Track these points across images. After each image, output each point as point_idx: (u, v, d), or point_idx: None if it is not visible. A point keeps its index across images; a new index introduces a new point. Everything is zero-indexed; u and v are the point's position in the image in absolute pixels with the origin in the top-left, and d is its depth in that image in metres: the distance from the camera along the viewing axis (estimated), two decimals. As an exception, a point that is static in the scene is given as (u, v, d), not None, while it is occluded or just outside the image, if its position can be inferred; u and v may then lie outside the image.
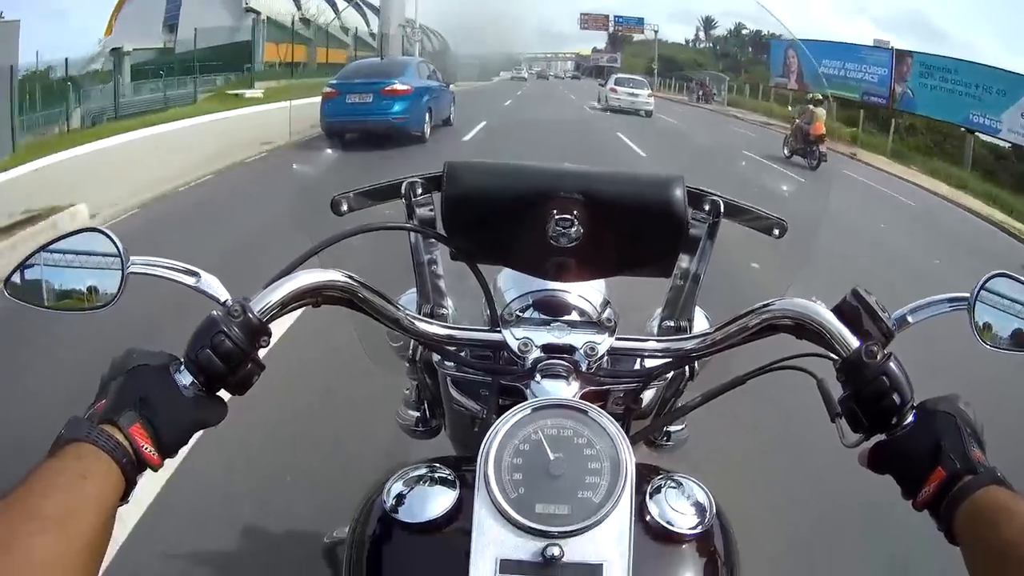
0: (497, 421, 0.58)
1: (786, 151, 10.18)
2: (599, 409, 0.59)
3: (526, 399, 0.64)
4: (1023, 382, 2.78)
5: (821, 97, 10.34)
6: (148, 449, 0.53)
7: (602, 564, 0.51)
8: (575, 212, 0.68)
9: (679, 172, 0.72)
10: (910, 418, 0.57)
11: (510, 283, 0.87)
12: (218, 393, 0.59)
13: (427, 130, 6.25)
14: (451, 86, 9.65)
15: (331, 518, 1.02)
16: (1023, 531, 0.48)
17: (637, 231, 0.71)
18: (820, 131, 9.00)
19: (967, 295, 0.63)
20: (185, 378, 0.56)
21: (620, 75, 8.79)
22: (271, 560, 1.77)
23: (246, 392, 0.60)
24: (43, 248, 0.61)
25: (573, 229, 0.68)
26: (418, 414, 1.04)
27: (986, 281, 0.63)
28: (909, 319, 0.64)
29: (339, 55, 19.03)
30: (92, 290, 0.61)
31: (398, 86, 7.38)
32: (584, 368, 0.68)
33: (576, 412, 0.58)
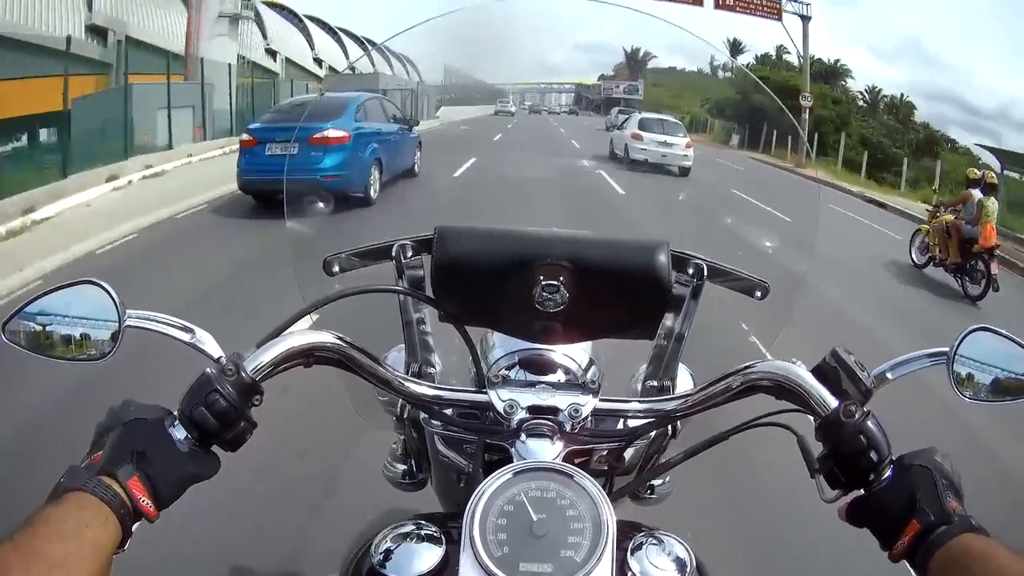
0: (482, 483, 0.67)
1: (918, 255, 7.64)
2: (582, 472, 0.68)
3: (511, 456, 0.74)
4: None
5: (992, 177, 7.32)
6: (145, 502, 0.62)
7: None
8: (561, 278, 0.80)
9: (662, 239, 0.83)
10: (887, 473, 0.67)
11: (497, 341, 0.98)
12: (211, 448, 0.69)
13: (373, 189, 5.98)
14: (414, 130, 8.31)
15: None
16: (997, 574, 0.56)
17: (622, 295, 0.82)
18: (991, 240, 6.57)
19: (946, 350, 0.74)
20: (180, 432, 0.66)
21: (646, 115, 7.18)
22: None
23: (238, 449, 0.69)
24: (40, 296, 0.71)
25: (559, 294, 0.80)
26: (405, 467, 1.18)
27: (965, 336, 0.74)
28: (889, 375, 0.75)
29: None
30: (88, 341, 0.71)
31: (331, 133, 7.13)
32: (568, 428, 0.78)
33: (559, 475, 0.67)
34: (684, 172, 5.01)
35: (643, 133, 5.79)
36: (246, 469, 2.48)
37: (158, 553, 1.71)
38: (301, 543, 2.36)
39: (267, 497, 2.64)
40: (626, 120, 7.19)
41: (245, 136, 8.30)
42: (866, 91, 36.23)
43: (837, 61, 37.72)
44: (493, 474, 0.68)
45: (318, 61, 23.82)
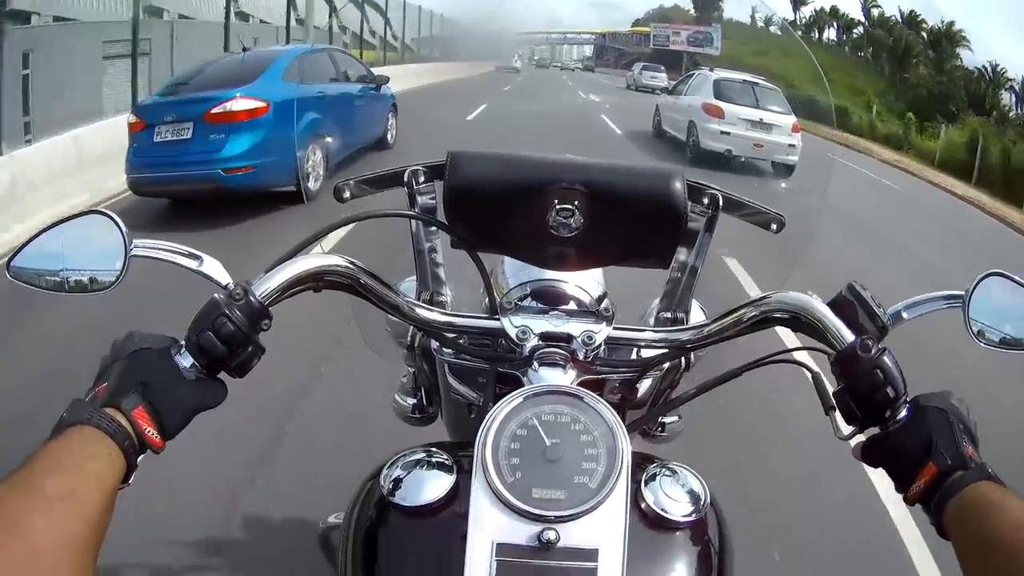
0: (495, 407, 0.72)
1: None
2: (596, 395, 0.74)
3: (523, 387, 0.79)
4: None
5: None
6: (151, 432, 0.67)
7: (597, 549, 0.65)
8: (576, 202, 0.86)
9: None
10: (903, 412, 0.73)
11: (509, 272, 1.07)
12: (218, 376, 0.74)
13: (313, 178, 5.47)
14: (385, 87, 7.39)
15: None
16: (1011, 526, 0.61)
17: (637, 222, 0.88)
18: None
19: (962, 293, 0.81)
20: (186, 360, 0.72)
21: (726, 74, 5.89)
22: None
23: (246, 375, 0.75)
24: (45, 230, 0.77)
25: (573, 219, 0.87)
26: (415, 401, 1.30)
27: (981, 280, 0.81)
28: (904, 315, 0.83)
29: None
30: (94, 272, 0.79)
31: (236, 104, 5.71)
32: (581, 357, 0.85)
33: (573, 399, 0.73)
34: (786, 171, 4.27)
35: (724, 105, 5.02)
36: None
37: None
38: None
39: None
40: (688, 81, 6.27)
41: (132, 117, 6.08)
42: (987, 68, 31.84)
43: (951, 25, 33.45)
44: (505, 397, 0.74)
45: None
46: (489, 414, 0.73)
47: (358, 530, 0.79)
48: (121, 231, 0.77)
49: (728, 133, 5.19)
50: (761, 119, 5.17)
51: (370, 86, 7.36)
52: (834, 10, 35.83)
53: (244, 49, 6.93)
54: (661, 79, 8.40)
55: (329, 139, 5.93)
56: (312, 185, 5.53)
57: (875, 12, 34.25)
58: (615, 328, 0.90)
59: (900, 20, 31.08)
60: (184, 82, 6.44)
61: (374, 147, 6.57)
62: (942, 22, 32.76)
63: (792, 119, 5.04)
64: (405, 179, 0.96)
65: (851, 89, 30.85)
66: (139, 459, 0.68)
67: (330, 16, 19.02)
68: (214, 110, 5.70)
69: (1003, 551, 0.61)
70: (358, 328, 1.15)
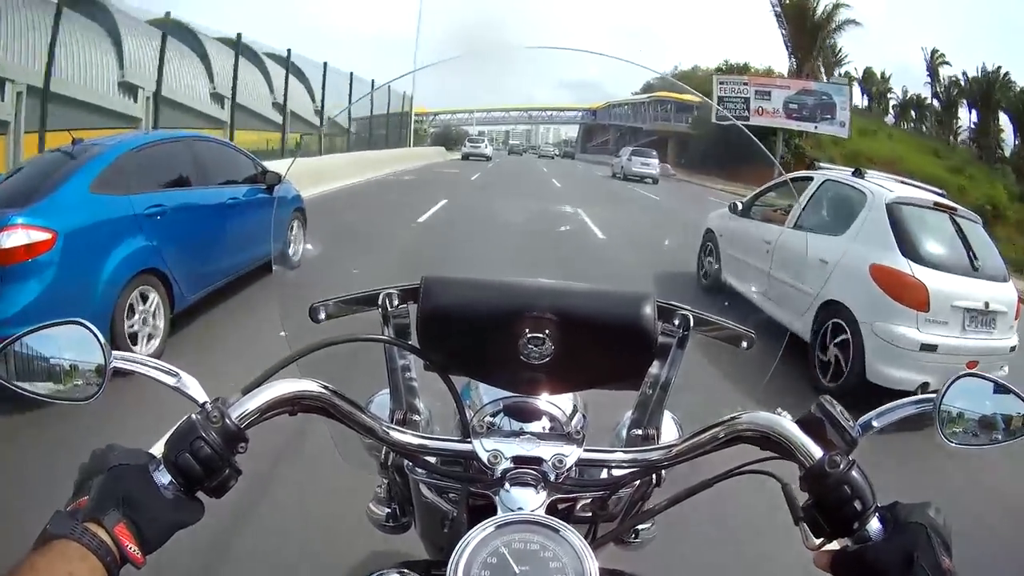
0: (465, 536, 0.74)
1: None
2: (565, 525, 0.75)
3: (495, 505, 0.83)
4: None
5: None
6: (132, 549, 0.69)
7: None
8: (547, 330, 0.90)
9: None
10: (873, 522, 0.75)
11: (482, 388, 1.09)
12: (196, 494, 0.76)
13: (143, 343, 4.12)
14: (285, 186, 5.55)
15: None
16: None
17: (608, 346, 0.92)
18: None
19: (933, 396, 0.83)
20: (164, 478, 0.74)
21: (902, 193, 3.98)
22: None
23: (223, 496, 0.77)
24: (26, 334, 0.80)
25: (545, 346, 0.90)
26: (389, 510, 1.31)
27: (952, 382, 0.83)
28: (875, 423, 0.85)
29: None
30: (74, 381, 0.81)
31: (8, 239, 3.59)
32: (552, 478, 0.87)
33: (542, 528, 0.76)
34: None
35: (925, 276, 3.49)
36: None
37: None
38: None
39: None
40: (798, 193, 4.70)
41: None
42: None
43: (999, 70, 25.99)
44: (476, 527, 0.75)
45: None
46: (460, 543, 0.74)
47: None
48: (100, 343, 0.80)
49: (933, 348, 3.20)
50: (987, 303, 3.28)
51: (258, 187, 5.71)
52: (868, 73, 30.47)
53: (74, 142, 4.61)
54: (653, 166, 7.47)
55: (175, 273, 4.40)
56: (143, 349, 4.09)
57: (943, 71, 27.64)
58: (586, 449, 0.92)
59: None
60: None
61: (259, 272, 5.21)
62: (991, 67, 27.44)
63: (1012, 292, 3.40)
64: (380, 302, 1.01)
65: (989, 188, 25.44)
66: (120, 574, 0.69)
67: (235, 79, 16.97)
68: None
69: None
70: (333, 443, 1.19)
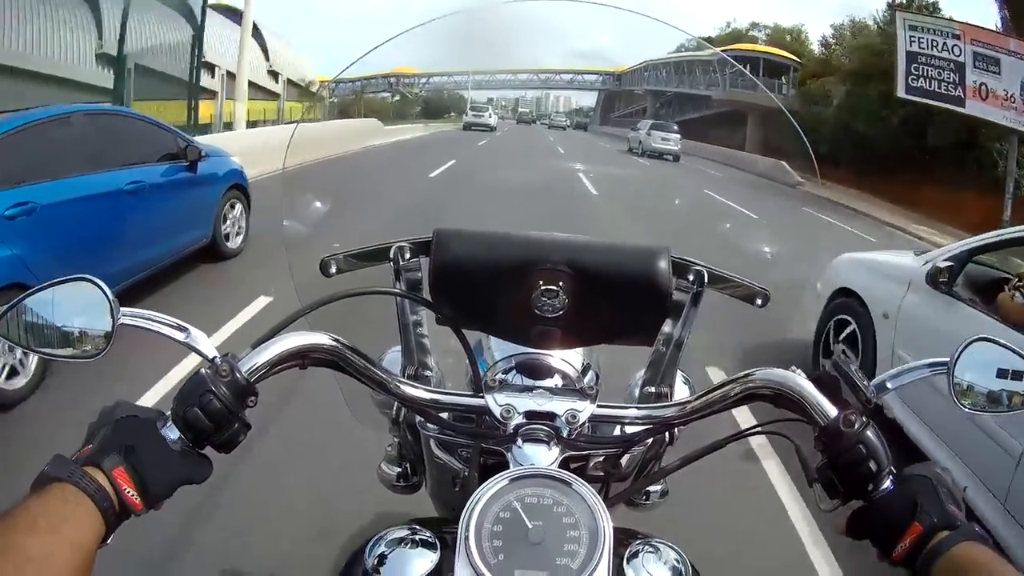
0: (478, 489, 0.74)
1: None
2: (578, 479, 0.75)
3: (507, 461, 0.83)
4: None
5: None
6: (131, 493, 0.68)
7: None
8: (560, 283, 0.89)
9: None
10: (887, 484, 0.75)
11: (495, 344, 1.08)
12: (204, 451, 0.76)
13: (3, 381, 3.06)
14: (218, 159, 4.91)
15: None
16: None
17: (622, 301, 0.91)
18: None
19: (947, 360, 0.84)
20: (172, 433, 0.73)
21: None
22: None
23: (232, 451, 0.77)
24: (34, 292, 0.79)
25: (558, 299, 0.90)
26: (400, 470, 1.31)
27: (966, 346, 0.84)
28: (889, 385, 0.84)
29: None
30: (81, 338, 0.80)
31: None
32: (565, 434, 0.86)
33: (555, 481, 0.75)
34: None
35: None
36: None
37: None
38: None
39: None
40: None
41: None
42: None
43: None
44: (488, 481, 0.75)
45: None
46: (472, 496, 0.74)
47: None
48: (108, 298, 0.79)
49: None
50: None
51: (179, 164, 4.89)
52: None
53: None
54: (674, 141, 6.90)
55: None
56: (15, 384, 3.26)
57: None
58: (599, 406, 0.91)
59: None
60: None
61: (202, 257, 4.56)
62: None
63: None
64: (391, 255, 1.00)
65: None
66: (118, 521, 0.69)
67: (194, 49, 14.78)
68: None
69: None
70: (344, 399, 1.18)
